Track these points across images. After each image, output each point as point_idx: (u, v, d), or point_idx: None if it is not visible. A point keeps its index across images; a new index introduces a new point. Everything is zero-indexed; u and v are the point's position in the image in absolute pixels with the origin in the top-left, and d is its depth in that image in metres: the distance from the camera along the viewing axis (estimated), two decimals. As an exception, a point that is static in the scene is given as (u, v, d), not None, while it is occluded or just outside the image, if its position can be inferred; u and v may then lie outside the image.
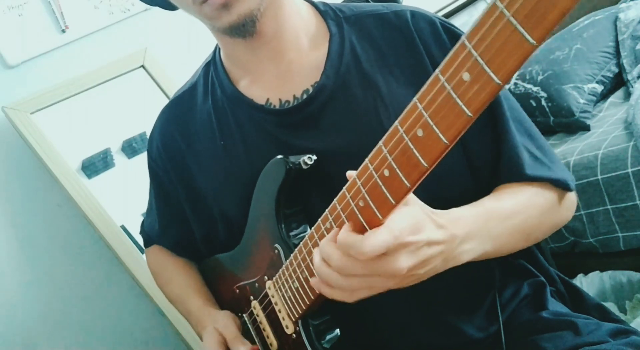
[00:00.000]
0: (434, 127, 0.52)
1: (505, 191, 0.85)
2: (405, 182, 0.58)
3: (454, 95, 0.50)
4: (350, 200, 0.66)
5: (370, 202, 0.63)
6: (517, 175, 0.84)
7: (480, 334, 0.89)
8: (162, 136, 1.02)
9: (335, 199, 0.69)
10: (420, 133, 0.54)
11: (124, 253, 1.51)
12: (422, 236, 0.65)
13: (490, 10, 0.45)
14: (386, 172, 0.59)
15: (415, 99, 0.54)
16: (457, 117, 0.50)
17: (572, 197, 0.92)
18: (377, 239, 0.61)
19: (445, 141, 0.52)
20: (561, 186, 0.87)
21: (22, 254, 1.47)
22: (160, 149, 1.02)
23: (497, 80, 0.46)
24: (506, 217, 0.80)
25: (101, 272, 1.56)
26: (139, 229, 1.53)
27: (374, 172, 0.61)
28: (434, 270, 0.70)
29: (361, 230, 0.65)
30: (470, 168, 0.87)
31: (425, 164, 0.55)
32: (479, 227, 0.75)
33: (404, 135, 0.56)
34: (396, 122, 0.57)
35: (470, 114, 0.49)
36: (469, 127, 0.51)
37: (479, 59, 0.47)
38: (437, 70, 0.51)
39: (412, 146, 0.55)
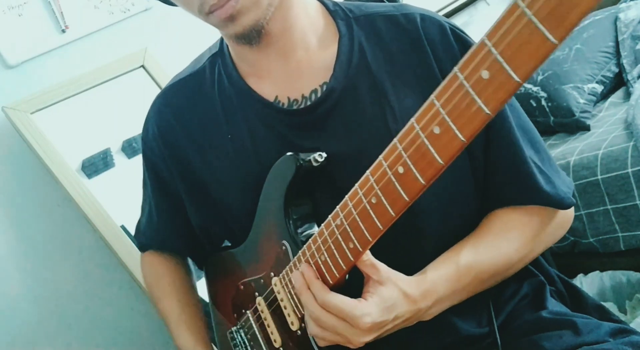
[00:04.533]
0: (451, 124, 0.53)
1: (494, 235, 0.87)
2: (420, 179, 0.58)
3: (472, 93, 0.50)
4: (362, 197, 0.66)
5: (383, 199, 0.63)
6: (532, 198, 0.87)
7: (479, 332, 0.89)
8: (158, 122, 1.00)
9: (347, 196, 0.69)
10: (437, 130, 0.54)
11: (124, 253, 1.50)
12: (390, 316, 0.74)
13: (510, 10, 0.46)
14: (400, 169, 0.60)
15: (432, 97, 0.54)
16: (475, 114, 0.50)
17: (569, 213, 0.94)
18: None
19: (463, 138, 0.52)
20: (564, 207, 0.90)
21: (22, 254, 1.46)
22: (157, 135, 1.00)
23: (517, 79, 0.46)
24: (480, 271, 0.84)
25: (101, 272, 1.55)
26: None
27: (387, 170, 0.61)
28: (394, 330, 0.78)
29: (373, 231, 0.66)
30: (474, 174, 0.88)
31: (441, 161, 0.55)
32: (451, 290, 0.80)
33: (420, 132, 0.56)
34: (412, 119, 0.57)
35: (488, 111, 0.49)
36: (485, 125, 0.51)
37: (498, 57, 0.47)
38: (455, 68, 0.51)
39: (427, 143, 0.56)
